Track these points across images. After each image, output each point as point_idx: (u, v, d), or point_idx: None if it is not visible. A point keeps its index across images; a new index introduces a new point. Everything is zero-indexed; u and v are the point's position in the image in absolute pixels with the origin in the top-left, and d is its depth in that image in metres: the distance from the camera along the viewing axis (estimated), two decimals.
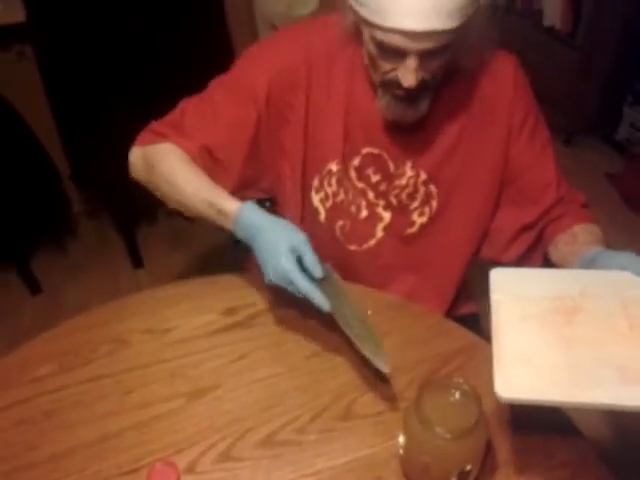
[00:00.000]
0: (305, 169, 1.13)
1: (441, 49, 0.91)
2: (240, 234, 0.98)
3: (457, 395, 0.76)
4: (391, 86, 0.97)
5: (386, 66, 0.96)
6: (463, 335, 1.02)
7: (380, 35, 0.91)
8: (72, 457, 0.86)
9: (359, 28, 0.98)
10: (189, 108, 1.12)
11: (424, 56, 0.91)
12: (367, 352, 0.89)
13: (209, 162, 1.09)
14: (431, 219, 1.13)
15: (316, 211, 1.15)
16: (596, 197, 2.47)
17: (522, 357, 0.74)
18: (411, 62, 0.91)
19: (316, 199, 1.14)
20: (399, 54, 0.92)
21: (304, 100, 1.08)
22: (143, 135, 1.14)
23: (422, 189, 1.11)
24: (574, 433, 0.87)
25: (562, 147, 2.72)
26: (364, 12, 0.91)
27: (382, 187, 1.12)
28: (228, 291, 1.11)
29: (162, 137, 1.10)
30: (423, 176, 1.11)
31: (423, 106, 1.01)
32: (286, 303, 1.08)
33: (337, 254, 1.15)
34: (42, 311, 2.16)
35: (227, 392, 0.94)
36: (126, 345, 1.02)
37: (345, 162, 1.11)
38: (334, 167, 1.11)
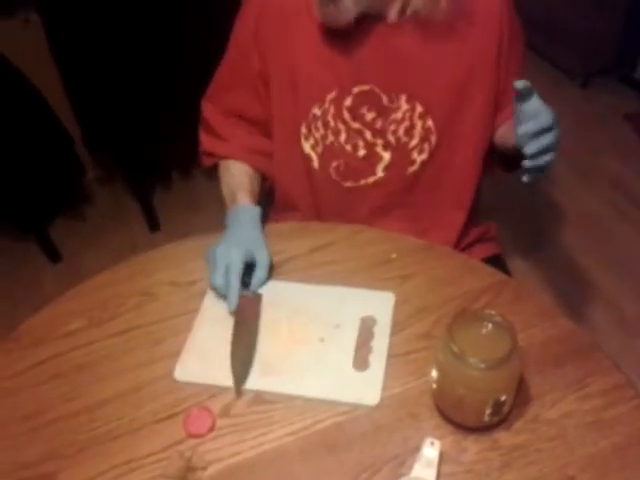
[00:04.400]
0: (291, 117, 1.15)
1: None
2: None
3: (489, 326, 0.76)
4: None
5: None
6: (489, 273, 1.01)
7: None
8: (108, 407, 0.87)
9: None
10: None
11: None
12: (233, 368, 0.90)
13: (248, 129, 1.21)
14: (431, 155, 1.13)
15: (308, 157, 1.16)
16: (614, 139, 2.44)
17: (203, 350, 0.93)
18: None
19: (307, 146, 1.15)
20: None
21: (282, 47, 1.10)
22: (201, 160, 1.28)
23: (419, 124, 1.10)
24: (607, 363, 0.87)
25: (579, 90, 2.66)
26: None
27: (378, 124, 1.11)
28: None
29: (212, 157, 1.24)
30: (419, 109, 1.09)
31: (345, 5, 0.97)
32: (311, 250, 1.08)
33: (332, 195, 1.18)
34: (63, 278, 2.18)
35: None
36: (153, 298, 1.02)
37: (336, 104, 1.11)
38: (317, 111, 1.12)
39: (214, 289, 0.99)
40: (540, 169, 0.89)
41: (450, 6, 1.00)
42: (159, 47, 1.95)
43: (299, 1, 1.07)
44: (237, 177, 1.18)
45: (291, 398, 0.86)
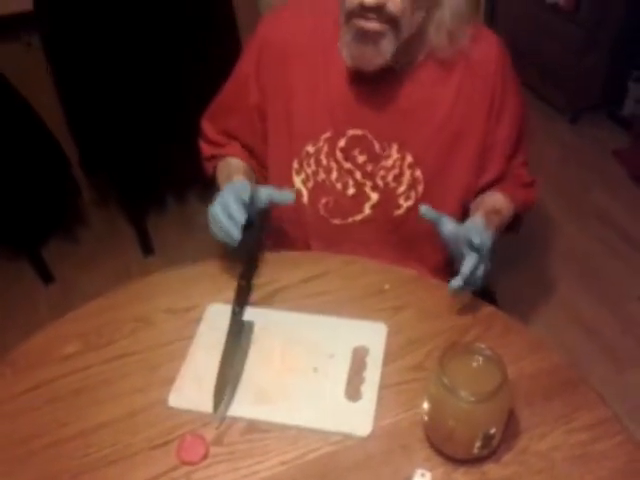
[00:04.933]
0: (284, 152, 1.18)
1: None
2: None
3: (480, 360, 0.78)
4: (354, 15, 0.96)
5: None
6: (479, 306, 1.03)
7: None
8: (103, 432, 0.88)
9: None
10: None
11: None
12: (216, 385, 0.91)
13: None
14: (417, 201, 1.15)
15: (299, 192, 1.18)
16: (603, 175, 2.49)
17: (197, 377, 0.94)
18: None
19: (297, 181, 1.18)
20: None
21: (280, 85, 1.14)
22: (204, 167, 1.33)
23: (408, 172, 1.13)
24: (594, 398, 0.89)
25: (568, 125, 2.72)
26: None
27: (369, 168, 1.14)
28: None
29: (213, 160, 1.28)
30: (409, 159, 1.12)
31: (384, 48, 0.98)
32: (304, 280, 1.09)
33: (320, 230, 1.20)
34: (55, 300, 2.18)
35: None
36: (149, 324, 1.04)
37: (330, 143, 1.13)
38: (310, 149, 1.15)
39: (218, 214, 1.00)
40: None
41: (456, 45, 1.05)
42: (157, 74, 1.99)
43: (302, 42, 1.11)
44: (234, 165, 1.22)
45: (284, 427, 0.87)
